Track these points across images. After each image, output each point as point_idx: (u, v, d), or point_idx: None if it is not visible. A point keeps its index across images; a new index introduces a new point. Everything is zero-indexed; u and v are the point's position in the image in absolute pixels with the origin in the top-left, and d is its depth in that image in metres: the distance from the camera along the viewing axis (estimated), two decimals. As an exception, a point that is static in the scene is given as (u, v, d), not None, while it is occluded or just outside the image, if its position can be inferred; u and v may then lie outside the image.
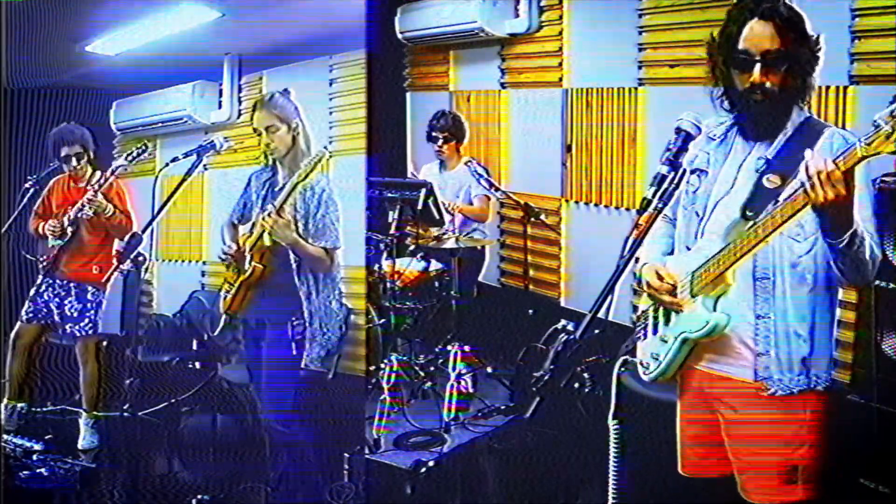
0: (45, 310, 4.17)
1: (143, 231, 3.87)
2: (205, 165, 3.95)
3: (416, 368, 4.23)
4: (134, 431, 4.13)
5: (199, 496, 3.49)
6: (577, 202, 4.56)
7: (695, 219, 2.28)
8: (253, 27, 4.36)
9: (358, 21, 4.02)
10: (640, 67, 4.17)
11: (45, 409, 4.29)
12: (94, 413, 4.15)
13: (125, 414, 4.06)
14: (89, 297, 4.14)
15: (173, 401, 4.35)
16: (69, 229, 4.09)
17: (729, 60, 2.20)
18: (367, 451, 3.71)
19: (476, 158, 4.67)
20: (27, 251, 4.26)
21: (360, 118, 4.24)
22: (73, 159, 4.15)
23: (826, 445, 2.19)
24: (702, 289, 2.20)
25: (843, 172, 1.90)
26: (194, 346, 4.65)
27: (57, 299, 4.15)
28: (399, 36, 4.99)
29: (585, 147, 4.48)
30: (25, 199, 4.24)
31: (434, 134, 4.67)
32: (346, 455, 3.53)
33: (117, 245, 4.04)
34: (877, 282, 2.72)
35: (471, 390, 4.14)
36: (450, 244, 4.37)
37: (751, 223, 2.10)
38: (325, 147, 3.31)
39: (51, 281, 4.15)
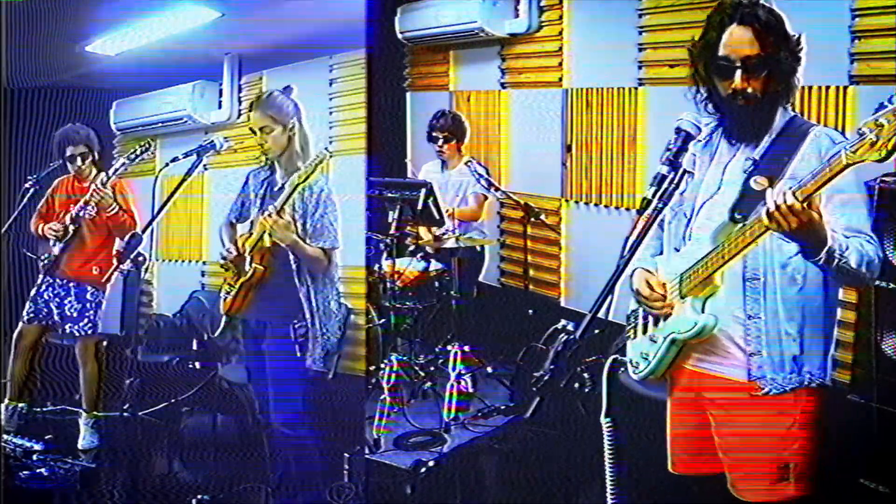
0: (45, 310, 4.17)
1: (143, 231, 3.87)
2: (205, 165, 3.94)
3: (416, 368, 4.23)
4: (134, 431, 4.14)
5: (199, 496, 3.49)
6: (577, 202, 4.56)
7: (683, 220, 2.29)
8: (253, 27, 4.36)
9: (358, 21, 4.02)
10: (640, 67, 4.17)
11: (45, 409, 4.29)
12: (94, 413, 4.15)
13: (125, 414, 4.06)
14: (89, 297, 4.14)
15: (173, 401, 4.36)
16: (71, 228, 4.09)
17: (710, 66, 2.21)
18: (367, 451, 3.71)
19: (476, 158, 4.67)
20: (28, 250, 4.26)
21: (360, 118, 4.24)
22: (78, 159, 4.15)
23: (820, 443, 2.20)
24: (691, 290, 2.21)
25: (808, 196, 1.92)
26: (194, 346, 4.65)
27: (57, 299, 4.15)
28: (399, 36, 4.99)
29: (585, 147, 4.48)
30: (25, 199, 4.24)
31: (434, 134, 4.67)
32: (346, 455, 3.53)
33: (117, 245, 4.03)
34: (877, 282, 2.72)
35: (471, 390, 4.14)
36: (450, 244, 4.37)
37: (739, 226, 2.11)
38: (326, 148, 3.29)
39: (51, 280, 4.16)
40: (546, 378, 2.12)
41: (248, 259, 3.28)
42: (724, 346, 2.23)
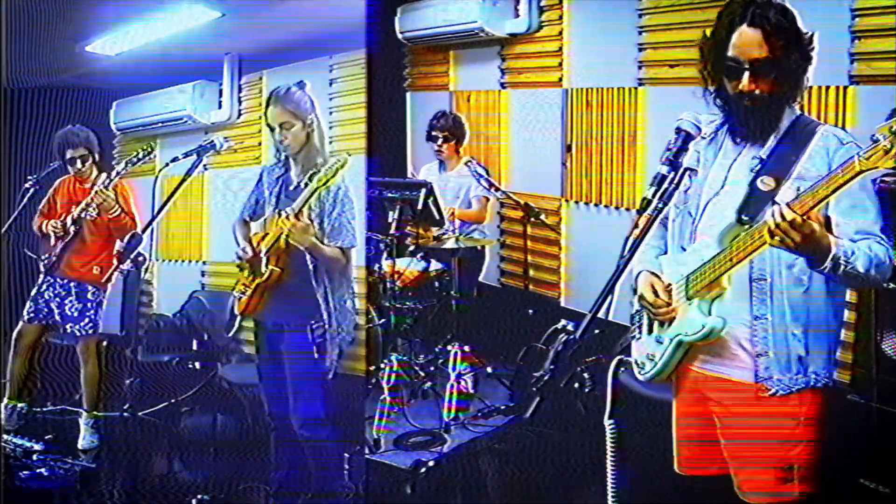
0: (45, 309, 4.17)
1: (143, 231, 3.87)
2: (205, 165, 3.95)
3: (416, 368, 4.23)
4: (134, 431, 4.14)
5: (199, 496, 3.49)
6: (577, 202, 4.56)
7: (688, 219, 2.28)
8: (253, 27, 4.36)
9: (358, 21, 4.02)
10: (640, 67, 4.17)
11: (45, 409, 4.29)
12: (94, 413, 4.15)
13: (125, 414, 4.06)
14: (90, 296, 4.14)
15: (173, 401, 4.36)
16: (72, 228, 4.09)
17: (718, 65, 2.20)
18: (367, 451, 3.71)
19: (476, 158, 4.67)
20: (29, 250, 4.25)
21: (360, 118, 4.24)
22: (78, 161, 4.15)
23: (823, 444, 2.19)
24: (697, 292, 2.20)
25: (819, 202, 1.92)
26: (194, 346, 4.65)
27: (57, 299, 4.15)
28: (399, 36, 4.99)
29: (585, 147, 4.48)
30: (25, 199, 4.25)
31: (434, 134, 4.67)
32: (346, 455, 3.53)
33: (117, 245, 4.03)
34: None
35: (471, 390, 4.14)
36: (450, 244, 4.37)
37: (746, 228, 2.10)
38: (348, 152, 3.26)
39: (51, 280, 4.16)
40: (546, 378, 2.12)
41: (264, 260, 3.23)
42: (730, 347, 2.22)
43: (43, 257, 4.17)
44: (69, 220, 4.09)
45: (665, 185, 2.16)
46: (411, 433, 3.87)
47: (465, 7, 4.65)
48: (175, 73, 4.72)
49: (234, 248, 3.44)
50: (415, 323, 4.38)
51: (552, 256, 4.67)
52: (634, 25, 4.14)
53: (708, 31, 2.24)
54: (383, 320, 4.25)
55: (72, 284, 4.14)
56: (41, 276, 4.17)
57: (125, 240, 3.87)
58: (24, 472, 3.70)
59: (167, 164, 3.83)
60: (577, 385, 3.58)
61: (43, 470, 3.72)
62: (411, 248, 4.41)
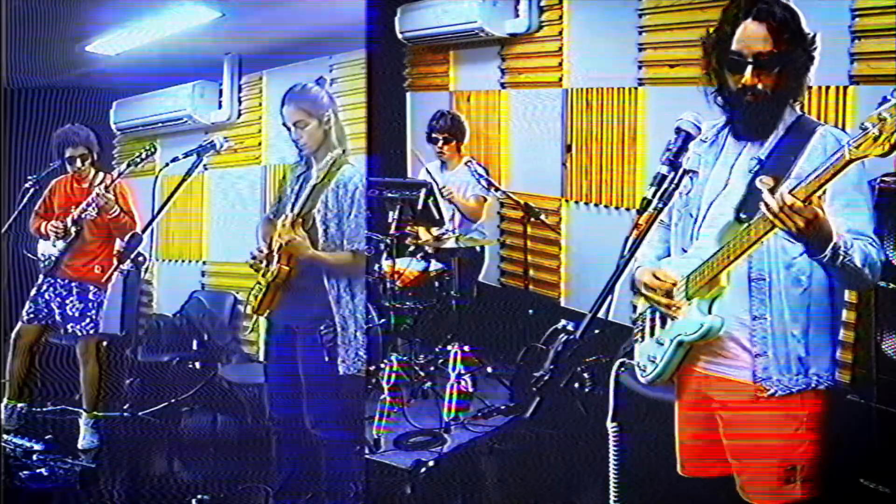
0: (45, 310, 4.17)
1: (144, 231, 3.87)
2: (205, 165, 3.94)
3: (416, 368, 4.23)
4: (134, 431, 4.14)
5: (199, 496, 3.49)
6: (577, 202, 4.56)
7: (689, 221, 2.28)
8: (253, 27, 4.36)
9: (358, 21, 4.02)
10: (640, 67, 4.17)
11: (45, 409, 4.29)
12: (95, 413, 4.15)
13: (125, 414, 4.06)
14: (91, 296, 4.14)
15: (173, 401, 4.36)
16: (73, 229, 4.09)
17: (722, 60, 2.19)
18: (367, 451, 3.71)
19: (476, 158, 4.67)
20: (29, 251, 4.26)
21: (360, 118, 4.24)
22: (78, 160, 4.14)
23: (825, 445, 2.19)
24: (697, 291, 2.20)
25: (811, 193, 1.91)
26: (194, 346, 4.65)
27: (58, 299, 4.15)
28: (399, 36, 4.99)
29: (585, 147, 4.48)
30: (25, 199, 4.24)
31: (434, 135, 4.66)
32: (350, 457, 3.52)
33: (118, 245, 4.03)
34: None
35: (471, 390, 4.14)
36: (450, 244, 4.37)
37: (744, 225, 2.10)
38: (344, 151, 3.19)
39: (52, 281, 4.16)
40: (546, 378, 2.11)
41: (275, 258, 3.16)
42: (730, 347, 2.22)
43: (42, 258, 4.17)
44: (69, 221, 4.08)
45: (665, 185, 2.15)
46: (411, 433, 3.87)
47: (465, 7, 4.65)
48: (175, 73, 4.73)
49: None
50: (415, 323, 4.37)
51: (552, 256, 4.67)
52: (634, 25, 4.14)
53: (711, 29, 2.23)
54: (383, 320, 4.25)
55: (73, 285, 4.14)
56: (41, 276, 4.17)
57: (125, 240, 3.86)
58: (24, 472, 3.70)
59: (167, 164, 3.83)
60: (577, 385, 3.58)
61: (43, 470, 3.72)
62: (411, 248, 4.41)
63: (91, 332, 4.15)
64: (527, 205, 4.47)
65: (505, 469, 3.71)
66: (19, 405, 4.16)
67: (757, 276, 2.17)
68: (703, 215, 2.24)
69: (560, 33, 4.56)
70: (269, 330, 3.39)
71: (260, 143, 4.85)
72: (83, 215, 4.03)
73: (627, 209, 4.21)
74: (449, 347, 4.21)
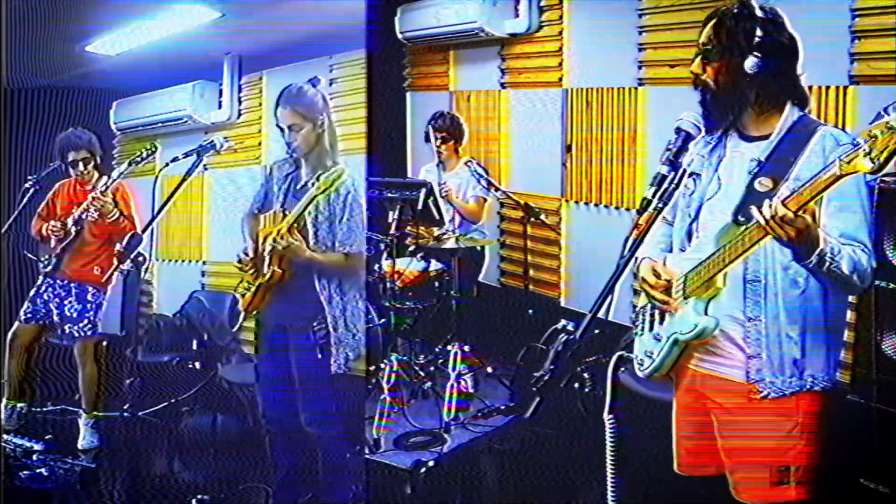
0: (44, 310, 4.17)
1: (143, 231, 3.87)
2: (205, 165, 3.94)
3: (416, 368, 4.23)
4: (134, 431, 4.14)
5: (199, 496, 3.49)
6: (577, 202, 4.56)
7: (688, 220, 2.30)
8: (253, 27, 4.36)
9: (358, 21, 4.02)
10: (640, 67, 4.17)
11: (45, 409, 4.29)
12: (94, 413, 4.15)
13: (125, 414, 4.06)
14: (89, 297, 4.14)
15: (173, 401, 4.35)
16: (73, 229, 4.09)
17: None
18: (367, 451, 3.71)
19: (476, 158, 4.67)
20: (29, 251, 4.26)
21: (360, 118, 4.24)
22: (80, 164, 4.15)
23: (820, 446, 2.19)
24: (693, 291, 2.21)
25: (802, 205, 1.93)
26: (194, 346, 4.65)
27: (57, 300, 4.15)
28: (399, 36, 4.99)
29: (585, 147, 4.48)
30: (25, 199, 4.25)
31: (433, 134, 4.66)
32: (346, 455, 3.52)
33: (118, 245, 4.03)
34: (877, 282, 2.72)
35: (471, 390, 4.14)
36: (450, 244, 4.37)
37: (741, 229, 2.10)
38: (343, 164, 3.21)
39: (51, 281, 4.16)
40: (546, 378, 2.12)
41: (266, 259, 3.18)
42: (726, 347, 2.22)
43: (42, 259, 4.17)
44: (70, 221, 4.08)
45: (665, 185, 2.17)
46: (411, 433, 3.87)
47: (465, 7, 4.65)
48: (175, 73, 4.72)
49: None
50: (415, 323, 4.38)
51: (552, 256, 4.67)
52: (634, 25, 4.14)
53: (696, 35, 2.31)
54: (383, 320, 4.25)
55: (72, 285, 4.14)
56: (40, 277, 4.17)
57: (125, 240, 3.86)
58: (24, 472, 3.70)
59: (167, 164, 3.83)
60: (577, 385, 3.58)
61: (43, 470, 3.72)
62: (411, 248, 4.41)
63: (89, 332, 4.15)
64: (527, 205, 4.47)
65: (505, 469, 3.71)
66: (19, 405, 4.17)
67: (752, 277, 2.18)
68: (699, 216, 2.26)
69: (560, 33, 4.56)
70: (260, 329, 3.40)
71: (260, 143, 4.85)
72: (84, 215, 4.03)
73: (627, 209, 4.21)
74: (449, 347, 4.22)
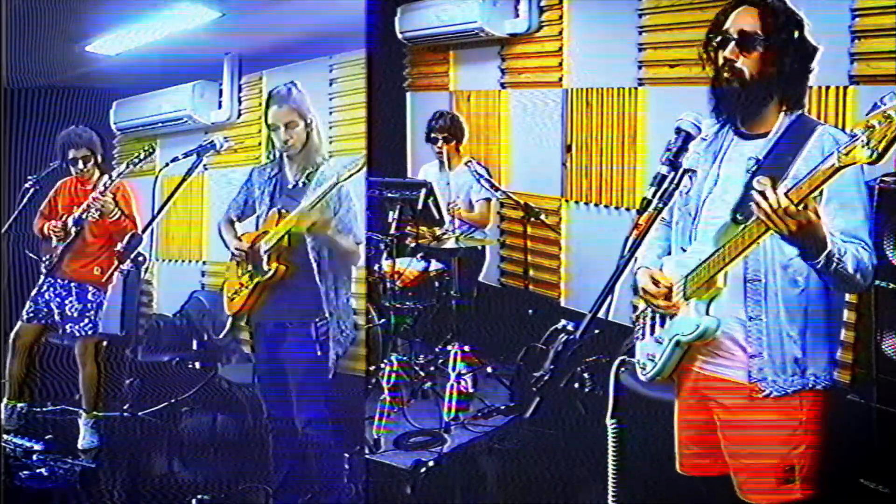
0: (45, 309, 4.17)
1: (143, 231, 3.87)
2: (205, 165, 3.94)
3: (416, 368, 4.23)
4: (134, 431, 4.14)
5: (199, 496, 3.49)
6: (577, 202, 4.56)
7: (688, 219, 2.29)
8: (253, 27, 4.36)
9: (358, 21, 4.02)
10: (640, 67, 4.17)
11: (45, 409, 4.29)
12: (94, 413, 4.15)
13: (125, 414, 4.06)
14: (90, 297, 4.14)
15: (173, 401, 4.36)
16: (73, 230, 4.09)
17: (713, 41, 2.22)
18: (367, 451, 3.71)
19: (476, 158, 4.67)
20: (30, 250, 4.26)
21: (360, 118, 4.24)
22: (80, 162, 4.15)
23: (824, 445, 2.19)
24: (695, 292, 2.21)
25: (803, 198, 1.92)
26: (194, 346, 4.65)
27: (58, 299, 4.15)
28: (399, 36, 4.99)
29: (585, 147, 4.48)
30: (25, 199, 4.25)
31: (433, 135, 4.66)
32: (346, 455, 3.53)
33: (118, 245, 4.03)
34: (877, 282, 2.72)
35: (471, 390, 4.14)
36: (450, 244, 4.37)
37: (741, 227, 2.10)
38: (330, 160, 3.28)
39: (52, 281, 4.16)
40: (546, 378, 2.12)
41: (265, 258, 3.22)
42: (726, 347, 2.22)
43: (44, 258, 4.17)
44: (70, 221, 4.08)
45: (665, 185, 2.16)
46: (411, 433, 3.87)
47: (465, 7, 4.64)
48: (175, 73, 4.72)
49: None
50: (415, 323, 4.38)
51: (552, 256, 4.67)
52: (634, 25, 4.14)
53: (697, 36, 2.29)
54: (383, 320, 4.25)
55: (73, 285, 4.14)
56: (42, 276, 4.17)
57: (125, 240, 3.87)
58: (24, 472, 3.70)
59: (167, 164, 3.83)
60: (577, 385, 3.58)
61: (43, 470, 3.72)
62: (411, 247, 4.41)
63: (89, 332, 4.15)
64: (527, 205, 4.47)
65: (505, 469, 3.71)
66: (19, 405, 4.17)
67: (752, 277, 2.17)
68: (700, 215, 2.25)
69: (560, 33, 4.56)
70: (256, 332, 3.40)
71: (260, 143, 4.84)
72: (84, 215, 4.03)
73: (627, 209, 4.21)
74: (449, 347, 4.22)
